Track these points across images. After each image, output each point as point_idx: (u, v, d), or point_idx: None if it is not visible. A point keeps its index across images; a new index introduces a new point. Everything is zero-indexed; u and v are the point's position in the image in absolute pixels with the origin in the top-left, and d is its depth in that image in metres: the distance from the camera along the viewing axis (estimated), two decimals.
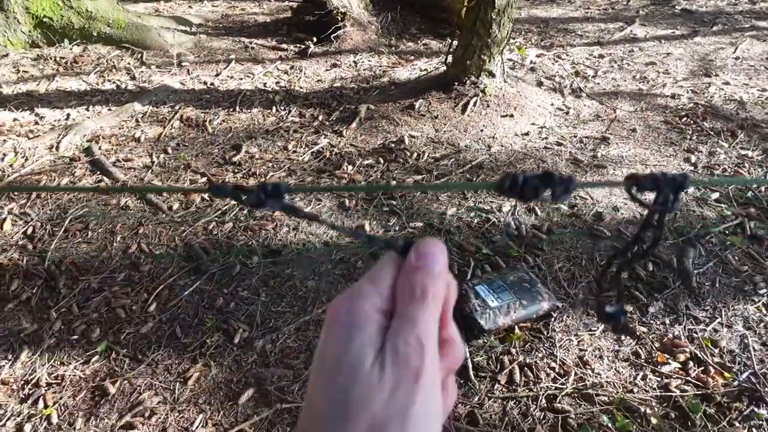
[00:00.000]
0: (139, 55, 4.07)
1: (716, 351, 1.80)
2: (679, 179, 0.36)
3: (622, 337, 1.84)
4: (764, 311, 1.92)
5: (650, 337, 1.84)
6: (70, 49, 4.10)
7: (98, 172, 2.70)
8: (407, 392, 0.33)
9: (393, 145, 2.92)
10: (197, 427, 1.58)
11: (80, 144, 2.95)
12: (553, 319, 1.88)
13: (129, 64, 3.96)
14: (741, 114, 3.20)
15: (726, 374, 1.71)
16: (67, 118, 3.22)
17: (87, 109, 3.33)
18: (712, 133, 3.01)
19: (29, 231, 2.32)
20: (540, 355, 1.78)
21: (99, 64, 3.92)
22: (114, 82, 3.69)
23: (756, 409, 1.61)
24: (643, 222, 0.39)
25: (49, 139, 2.96)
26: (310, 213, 0.44)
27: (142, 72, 3.84)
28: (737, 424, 1.58)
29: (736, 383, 1.68)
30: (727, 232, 2.28)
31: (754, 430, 1.57)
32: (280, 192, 0.39)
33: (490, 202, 2.47)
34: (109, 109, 3.32)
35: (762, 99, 3.36)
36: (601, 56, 4.07)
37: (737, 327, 1.87)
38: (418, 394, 0.33)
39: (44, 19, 4.04)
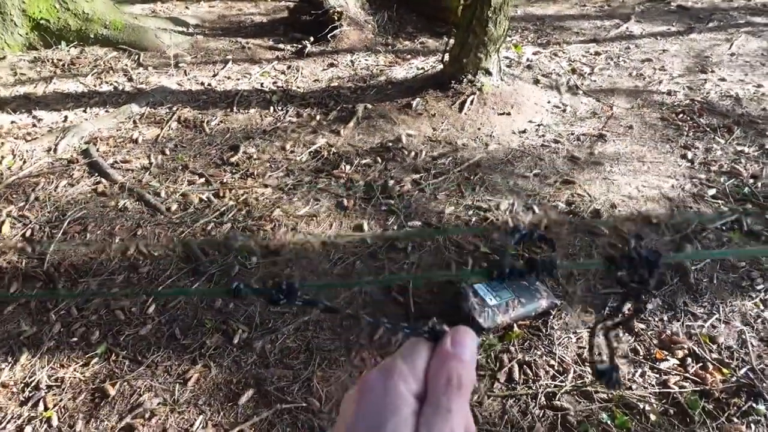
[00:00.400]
0: (137, 57, 4.07)
1: (714, 347, 1.80)
2: (652, 257, 0.37)
3: (621, 334, 1.84)
4: (762, 307, 1.93)
5: (648, 333, 1.85)
6: (67, 51, 4.10)
7: (96, 174, 2.70)
8: None
9: (390, 144, 2.92)
10: (197, 428, 1.58)
11: (78, 146, 2.94)
12: (551, 317, 1.89)
13: (126, 65, 3.96)
14: (737, 110, 3.20)
15: (724, 370, 1.72)
16: (65, 121, 3.22)
17: (84, 111, 3.33)
18: (708, 129, 3.02)
19: (28, 233, 2.32)
20: (539, 352, 1.79)
21: (96, 66, 3.92)
22: (111, 84, 3.68)
23: (754, 405, 1.61)
24: (622, 295, 0.40)
25: (47, 141, 2.96)
26: (332, 306, 0.45)
27: (140, 73, 3.83)
28: (736, 420, 1.59)
29: (734, 379, 1.69)
30: (724, 228, 2.29)
31: (752, 425, 1.58)
32: (295, 290, 0.41)
33: (488, 200, 2.48)
34: (107, 111, 3.32)
35: (758, 95, 3.37)
36: (597, 53, 4.08)
37: (735, 323, 1.88)
38: None
39: (41, 22, 4.04)
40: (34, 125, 3.18)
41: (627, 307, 0.42)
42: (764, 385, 1.66)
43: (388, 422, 0.34)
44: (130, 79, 3.74)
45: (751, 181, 2.57)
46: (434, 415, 0.35)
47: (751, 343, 1.80)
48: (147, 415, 1.62)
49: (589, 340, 0.41)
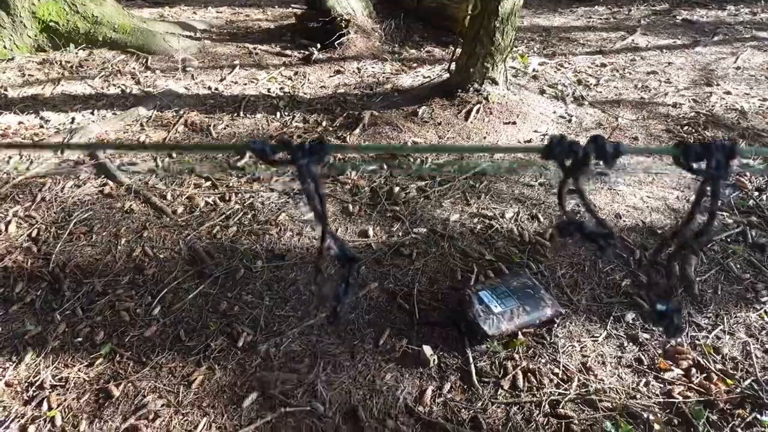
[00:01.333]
0: (144, 60, 4.10)
1: (719, 358, 1.80)
2: (728, 145, 0.36)
3: (625, 344, 1.84)
4: (766, 319, 1.93)
5: (653, 343, 1.85)
6: (76, 53, 4.13)
7: (103, 176, 2.71)
8: None
9: (396, 152, 2.94)
10: (201, 431, 1.58)
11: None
12: (556, 325, 1.89)
13: (134, 68, 3.99)
14: (742, 123, 3.22)
15: (728, 381, 1.72)
16: (72, 122, 3.24)
17: (92, 113, 3.35)
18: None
19: (34, 234, 2.33)
20: (543, 360, 1.79)
21: (104, 69, 3.94)
22: (119, 87, 3.71)
23: (759, 416, 1.61)
24: (696, 194, 0.38)
25: (54, 142, 2.97)
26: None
27: (147, 76, 3.86)
28: (740, 431, 1.58)
29: (738, 390, 1.69)
30: (729, 240, 2.29)
31: None
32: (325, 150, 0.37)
33: (493, 208, 2.48)
34: (114, 113, 3.34)
35: (763, 108, 3.38)
36: (603, 65, 4.10)
37: (739, 334, 1.88)
38: None
39: (50, 24, 4.07)
40: (41, 126, 3.20)
41: (695, 226, 0.40)
42: None
43: None
44: (138, 82, 3.77)
45: (756, 193, 2.58)
46: None
47: (756, 355, 1.80)
48: (151, 417, 1.62)
49: (647, 272, 0.38)
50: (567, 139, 0.36)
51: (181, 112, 3.37)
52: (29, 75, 3.83)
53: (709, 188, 0.36)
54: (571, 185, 0.38)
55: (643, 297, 2.01)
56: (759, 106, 3.40)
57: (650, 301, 0.38)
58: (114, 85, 3.73)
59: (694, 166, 0.35)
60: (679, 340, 1.85)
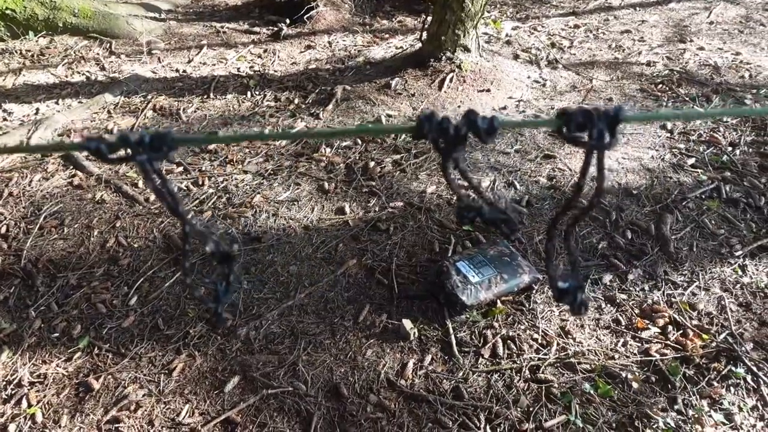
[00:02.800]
0: (108, 45, 3.97)
1: (694, 314, 1.83)
2: (612, 112, 0.34)
3: (603, 306, 1.86)
4: (740, 273, 1.96)
5: (630, 303, 1.87)
6: (36, 41, 3.99)
7: (71, 167, 2.65)
8: None
9: (370, 126, 2.90)
10: (184, 418, 1.58)
11: (51, 139, 2.88)
12: (534, 292, 1.90)
13: (98, 54, 3.87)
14: (716, 78, 3.21)
15: (704, 336, 1.75)
16: (37, 113, 3.15)
17: (56, 103, 3.26)
18: (687, 99, 3.02)
19: (3, 230, 2.27)
20: (522, 327, 1.80)
21: (67, 56, 3.82)
22: (83, 74, 3.60)
23: (733, 368, 1.65)
24: (582, 166, 0.37)
25: (19, 135, 2.89)
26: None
27: (112, 62, 3.75)
28: (716, 384, 1.62)
29: (714, 344, 1.72)
30: (703, 196, 2.30)
31: (731, 388, 1.61)
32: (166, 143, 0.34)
33: (469, 178, 2.47)
34: (80, 102, 3.25)
35: (736, 63, 3.38)
36: (576, 26, 4.05)
37: (714, 290, 1.90)
38: None
39: (6, 12, 3.92)
40: (4, 119, 3.10)
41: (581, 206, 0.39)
42: (743, 348, 1.70)
43: None
44: (103, 68, 3.66)
45: (730, 149, 2.59)
46: None
47: (730, 309, 1.83)
48: (133, 407, 1.61)
49: (545, 246, 0.36)
50: (437, 117, 0.33)
51: (149, 97, 3.28)
52: None
53: (593, 159, 0.34)
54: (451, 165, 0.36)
55: (619, 258, 2.02)
56: (732, 61, 3.40)
57: (551, 279, 0.37)
58: (78, 72, 3.62)
59: (576, 136, 0.34)
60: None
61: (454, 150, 0.33)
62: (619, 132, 0.32)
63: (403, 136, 2.78)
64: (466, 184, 0.40)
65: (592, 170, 0.38)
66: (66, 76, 3.57)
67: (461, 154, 0.33)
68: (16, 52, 3.85)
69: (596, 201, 0.35)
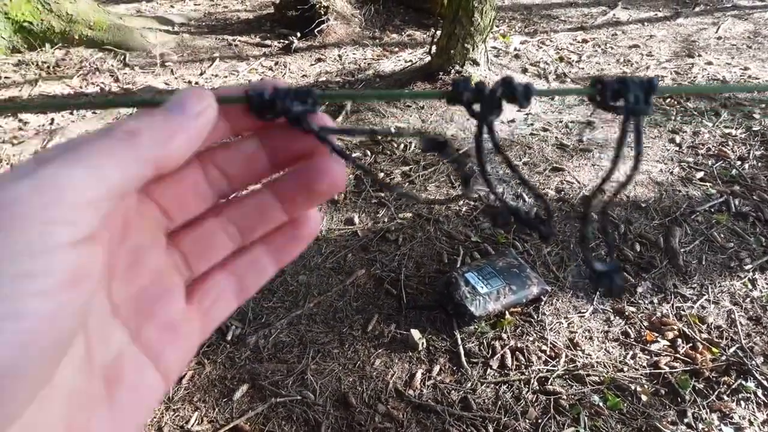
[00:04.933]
0: (122, 57, 4.05)
1: (704, 327, 1.82)
2: (647, 80, 0.35)
3: (612, 318, 1.86)
4: (750, 286, 1.95)
5: (639, 316, 1.86)
6: (52, 53, 4.07)
7: None
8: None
9: (380, 138, 2.93)
10: (193, 425, 1.59)
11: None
12: (543, 303, 1.90)
13: (112, 66, 3.94)
14: (724, 93, 3.23)
15: (714, 349, 1.74)
16: (52, 123, 3.21)
17: (71, 113, 3.31)
18: (696, 113, 3.03)
19: None
20: (531, 338, 1.80)
21: (82, 68, 3.89)
22: (97, 85, 3.66)
23: (744, 382, 1.64)
24: (619, 135, 0.35)
25: (34, 144, 2.94)
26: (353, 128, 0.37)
27: (126, 74, 3.82)
28: (726, 398, 1.61)
29: (723, 358, 1.71)
30: (713, 210, 2.30)
31: (742, 402, 1.60)
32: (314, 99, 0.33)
33: (478, 190, 2.49)
34: (94, 113, 3.31)
35: (744, 78, 3.39)
36: (584, 41, 4.08)
37: (724, 303, 1.90)
38: None
39: (24, 24, 4.00)
40: (20, 129, 3.16)
41: (620, 174, 0.38)
42: (753, 362, 1.69)
43: None
44: (117, 80, 3.72)
45: (739, 163, 2.60)
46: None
47: (740, 322, 1.82)
48: None
49: (580, 228, 0.36)
50: (472, 81, 0.34)
51: None
52: (5, 77, 3.77)
53: (631, 126, 0.35)
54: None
55: (628, 271, 2.02)
56: (740, 76, 3.41)
57: (587, 261, 0.37)
58: (92, 83, 3.69)
59: (611, 104, 0.35)
60: (665, 311, 1.87)
61: (489, 113, 0.33)
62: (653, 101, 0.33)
63: (413, 147, 2.81)
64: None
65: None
66: (81, 87, 3.63)
67: (496, 119, 0.34)
68: (32, 63, 3.93)
69: (635, 171, 0.35)
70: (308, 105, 0.32)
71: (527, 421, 1.57)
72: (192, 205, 0.32)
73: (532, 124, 3.02)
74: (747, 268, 2.01)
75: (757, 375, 1.65)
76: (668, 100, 3.19)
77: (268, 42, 4.31)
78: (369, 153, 2.79)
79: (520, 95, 0.33)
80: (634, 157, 0.35)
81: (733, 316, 1.85)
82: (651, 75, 3.40)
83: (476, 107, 0.34)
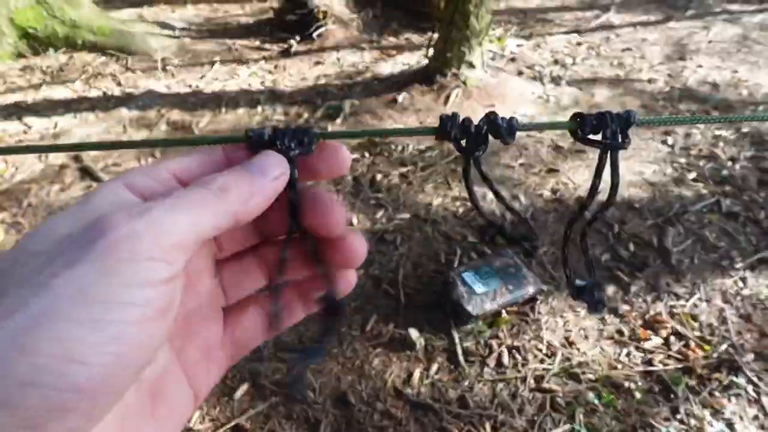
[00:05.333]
0: (124, 61, 4.08)
1: (696, 325, 1.86)
2: (624, 115, 0.35)
3: (606, 317, 1.90)
4: (741, 285, 1.99)
5: (633, 315, 1.90)
6: (56, 58, 4.11)
7: (88, 178, 2.73)
8: (75, 251, 0.25)
9: (378, 139, 2.96)
10: (195, 424, 1.62)
11: (77, 151, 2.97)
12: (539, 302, 1.94)
13: (114, 70, 3.98)
14: (715, 95, 3.27)
15: (706, 347, 1.78)
16: (55, 127, 3.24)
17: (74, 117, 3.35)
18: (687, 115, 3.08)
19: None
20: (527, 337, 1.84)
21: (85, 72, 3.93)
22: (100, 89, 3.70)
23: (734, 379, 1.68)
24: (596, 166, 0.36)
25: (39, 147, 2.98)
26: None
27: (128, 77, 3.85)
28: (717, 394, 1.65)
29: (715, 355, 1.75)
30: (704, 210, 2.35)
31: (733, 398, 1.64)
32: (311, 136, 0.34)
33: (475, 191, 2.52)
34: (96, 116, 3.35)
35: (734, 80, 3.43)
36: (578, 44, 4.13)
37: (715, 301, 1.94)
38: (79, 261, 0.24)
39: (29, 30, 4.05)
40: (24, 132, 3.20)
41: (597, 205, 0.38)
42: (744, 359, 1.73)
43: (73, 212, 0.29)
44: (119, 84, 3.76)
45: (729, 163, 2.64)
46: (157, 198, 0.28)
47: (731, 320, 1.86)
48: None
49: (562, 248, 0.38)
50: (458, 117, 0.35)
51: (163, 111, 3.37)
52: (11, 82, 3.81)
53: (608, 160, 0.38)
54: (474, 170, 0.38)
55: (622, 270, 2.06)
56: (730, 78, 3.45)
57: (568, 278, 0.39)
58: (95, 87, 3.73)
59: (591, 137, 0.37)
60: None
61: (476, 149, 0.35)
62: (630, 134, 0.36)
63: (411, 148, 2.85)
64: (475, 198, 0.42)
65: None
66: (84, 92, 3.67)
67: (482, 154, 0.35)
68: (36, 68, 3.97)
69: (612, 200, 0.37)
70: (305, 146, 0.34)
71: (524, 418, 1.61)
72: (240, 240, 0.37)
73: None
74: (738, 266, 2.05)
75: (748, 372, 1.69)
76: (661, 102, 3.24)
77: (267, 46, 4.35)
78: (367, 154, 2.83)
79: (504, 131, 0.35)
80: (611, 187, 0.37)
81: (724, 314, 1.89)
82: (644, 78, 3.45)
83: (464, 142, 0.36)
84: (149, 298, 0.25)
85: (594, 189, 0.38)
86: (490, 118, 0.36)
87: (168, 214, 0.26)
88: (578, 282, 0.39)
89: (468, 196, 0.38)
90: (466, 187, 0.38)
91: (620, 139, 0.35)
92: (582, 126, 0.36)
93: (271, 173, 0.32)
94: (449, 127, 0.35)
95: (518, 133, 0.36)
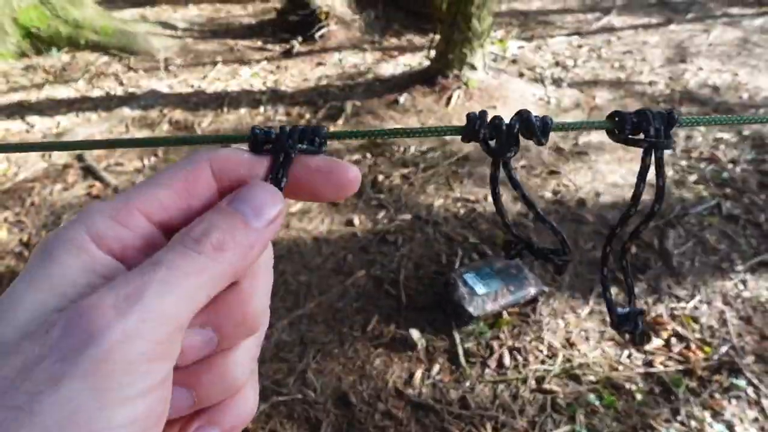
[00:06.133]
0: (127, 61, 4.09)
1: (697, 327, 1.87)
2: (666, 113, 0.32)
3: (607, 318, 1.91)
4: (741, 287, 2.00)
5: None
6: (59, 57, 4.12)
7: (90, 177, 2.74)
8: (58, 362, 0.20)
9: (380, 140, 2.97)
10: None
11: (72, 151, 2.98)
12: (540, 304, 1.95)
13: (117, 70, 3.99)
14: (715, 98, 3.28)
15: (706, 349, 1.78)
16: (58, 126, 3.25)
17: (77, 116, 3.36)
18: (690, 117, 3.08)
19: (25, 238, 2.35)
20: (528, 338, 1.85)
21: (87, 71, 3.94)
22: (103, 89, 3.71)
23: (735, 381, 1.68)
24: (640, 169, 0.33)
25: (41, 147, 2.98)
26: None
27: (130, 77, 3.86)
28: (717, 396, 1.65)
29: (716, 357, 1.76)
30: (704, 212, 2.35)
31: (733, 400, 1.64)
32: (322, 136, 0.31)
33: (476, 192, 2.53)
34: (99, 116, 3.35)
35: (735, 83, 3.44)
36: (580, 46, 4.14)
37: (716, 303, 1.94)
38: (66, 376, 0.20)
39: (32, 29, 4.06)
40: (27, 131, 3.20)
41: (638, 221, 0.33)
42: (744, 361, 1.73)
43: (30, 268, 0.24)
44: (121, 84, 3.77)
45: (730, 166, 2.64)
46: (132, 272, 0.24)
47: (732, 322, 1.87)
48: None
49: (600, 269, 0.34)
50: (488, 115, 0.32)
51: (165, 111, 3.38)
52: (13, 81, 3.82)
53: (652, 159, 0.33)
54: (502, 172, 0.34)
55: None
56: (731, 81, 3.47)
57: (609, 305, 0.35)
58: (98, 87, 3.73)
59: (631, 137, 0.33)
60: (659, 311, 1.92)
61: (507, 150, 0.32)
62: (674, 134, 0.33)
63: (412, 150, 2.85)
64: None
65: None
66: (86, 91, 3.68)
67: (513, 156, 0.32)
68: (39, 67, 3.98)
69: (658, 206, 0.33)
70: (316, 145, 0.32)
71: (524, 419, 1.61)
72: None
73: None
74: (738, 269, 2.06)
75: (748, 374, 1.69)
76: (661, 104, 3.24)
77: (269, 46, 4.36)
78: (369, 155, 2.83)
79: (538, 130, 0.32)
80: (657, 190, 0.33)
81: (724, 316, 1.89)
82: (645, 81, 3.46)
83: (492, 143, 0.32)
84: (150, 408, 0.22)
85: (638, 195, 0.34)
86: (523, 116, 0.32)
87: (161, 299, 0.23)
88: (620, 310, 0.35)
89: (494, 205, 0.34)
90: (493, 195, 0.34)
91: (665, 137, 0.32)
92: (621, 125, 0.33)
93: (268, 214, 0.28)
94: (477, 126, 0.32)
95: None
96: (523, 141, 0.33)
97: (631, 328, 0.35)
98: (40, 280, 0.24)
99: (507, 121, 0.32)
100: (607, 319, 1.89)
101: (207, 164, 0.29)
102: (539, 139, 0.32)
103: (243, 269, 0.27)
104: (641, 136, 0.32)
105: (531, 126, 0.31)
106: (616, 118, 0.33)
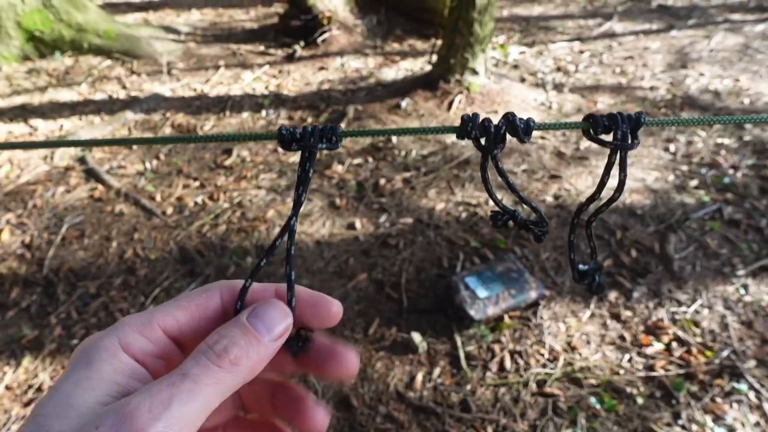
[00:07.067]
0: (130, 65, 4.11)
1: (698, 331, 1.87)
2: (635, 116, 0.38)
3: (608, 322, 1.90)
4: (742, 291, 2.00)
5: (635, 320, 1.91)
6: (62, 61, 4.14)
7: (93, 180, 2.74)
8: None
9: (381, 144, 2.98)
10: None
11: (74, 153, 2.99)
12: (541, 307, 1.95)
13: (120, 73, 4.00)
14: (717, 104, 3.29)
15: (707, 353, 1.78)
16: (61, 129, 3.26)
17: (80, 119, 3.37)
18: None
19: (27, 240, 2.36)
20: (529, 342, 1.85)
21: (90, 75, 3.96)
22: (106, 92, 3.73)
23: (736, 385, 1.68)
24: (606, 165, 0.39)
25: (44, 149, 2.99)
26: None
27: (133, 81, 3.88)
28: (719, 400, 1.65)
29: (717, 361, 1.75)
30: (706, 217, 2.36)
31: (734, 404, 1.64)
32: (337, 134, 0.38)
33: (477, 196, 2.54)
34: (102, 119, 3.37)
35: (736, 89, 3.45)
36: (581, 51, 4.15)
37: (717, 307, 1.94)
38: None
39: (36, 33, 4.08)
40: (30, 134, 3.22)
41: (607, 196, 0.40)
42: (745, 365, 1.73)
43: (70, 377, 0.30)
44: (124, 87, 3.79)
45: (731, 171, 2.65)
46: (159, 381, 0.29)
47: (733, 327, 1.87)
48: None
49: (569, 233, 0.41)
50: (479, 117, 0.38)
51: (168, 115, 3.39)
52: (17, 84, 3.84)
53: (617, 158, 0.40)
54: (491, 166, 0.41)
55: (624, 276, 2.07)
56: (732, 87, 3.48)
57: (572, 262, 0.41)
58: (101, 90, 3.75)
59: (603, 138, 0.40)
60: (660, 315, 1.92)
61: (495, 147, 0.38)
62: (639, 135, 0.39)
63: (414, 153, 2.86)
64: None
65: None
66: (89, 95, 3.70)
67: (499, 152, 0.38)
68: (43, 71, 4.00)
69: (618, 194, 0.39)
70: (333, 143, 0.38)
71: (526, 422, 1.61)
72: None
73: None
74: (739, 273, 2.06)
75: (749, 378, 1.69)
76: (662, 110, 3.25)
77: (271, 51, 4.38)
78: (371, 159, 2.84)
79: (521, 131, 0.38)
80: (618, 183, 0.39)
81: (726, 320, 1.89)
82: (646, 86, 3.47)
83: (483, 140, 0.39)
84: None
85: (602, 184, 0.39)
86: (509, 118, 0.38)
87: (186, 406, 0.28)
88: (581, 266, 0.41)
89: (483, 185, 0.40)
90: (483, 179, 0.40)
91: (630, 140, 0.38)
92: (594, 126, 0.38)
93: (277, 329, 0.33)
94: (470, 127, 0.38)
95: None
96: (523, 146, 0.39)
97: (590, 281, 0.41)
98: (83, 381, 0.29)
99: (496, 122, 0.38)
100: (608, 322, 1.89)
101: (219, 292, 0.36)
102: (522, 138, 0.38)
103: (251, 378, 0.32)
104: (611, 137, 0.38)
105: (515, 127, 0.38)
106: (590, 120, 0.38)
